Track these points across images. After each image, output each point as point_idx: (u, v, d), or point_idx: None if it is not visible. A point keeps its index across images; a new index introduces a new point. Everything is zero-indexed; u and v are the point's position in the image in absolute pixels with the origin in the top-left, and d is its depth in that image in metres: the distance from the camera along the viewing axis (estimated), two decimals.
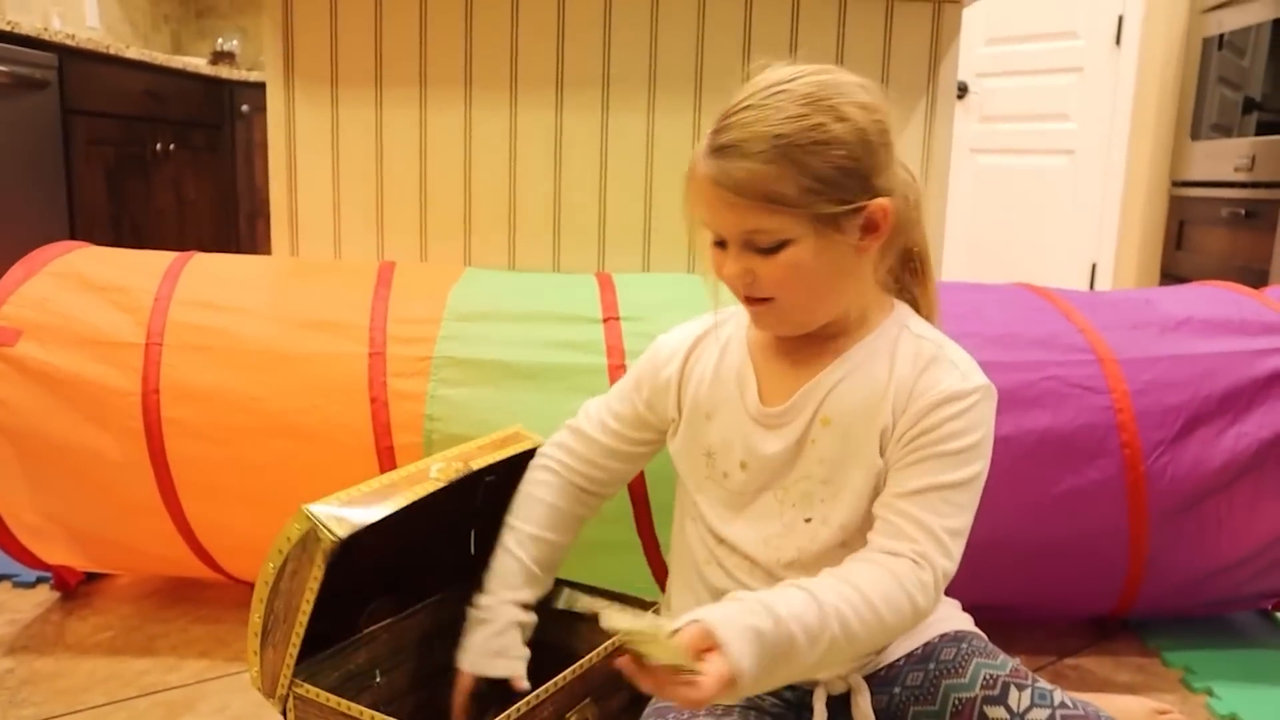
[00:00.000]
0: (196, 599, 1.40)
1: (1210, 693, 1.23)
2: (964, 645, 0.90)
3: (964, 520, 0.83)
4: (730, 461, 0.91)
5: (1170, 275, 3.13)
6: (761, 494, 0.90)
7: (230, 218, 3.66)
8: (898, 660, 0.91)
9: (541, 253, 1.84)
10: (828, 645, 0.75)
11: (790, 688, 0.91)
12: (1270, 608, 1.43)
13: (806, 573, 0.87)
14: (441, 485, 0.92)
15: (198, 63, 3.56)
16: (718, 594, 0.91)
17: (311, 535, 0.81)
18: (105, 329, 1.25)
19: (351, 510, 0.84)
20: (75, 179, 2.79)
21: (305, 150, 1.80)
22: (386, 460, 1.21)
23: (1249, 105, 2.86)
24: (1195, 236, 3.00)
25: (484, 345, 1.24)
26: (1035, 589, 1.28)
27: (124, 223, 3.05)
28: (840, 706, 0.90)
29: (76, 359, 1.22)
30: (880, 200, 0.82)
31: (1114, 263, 3.38)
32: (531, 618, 0.97)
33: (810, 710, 0.90)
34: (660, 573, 1.24)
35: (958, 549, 0.83)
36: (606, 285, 1.33)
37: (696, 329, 0.97)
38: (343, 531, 0.81)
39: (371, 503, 0.87)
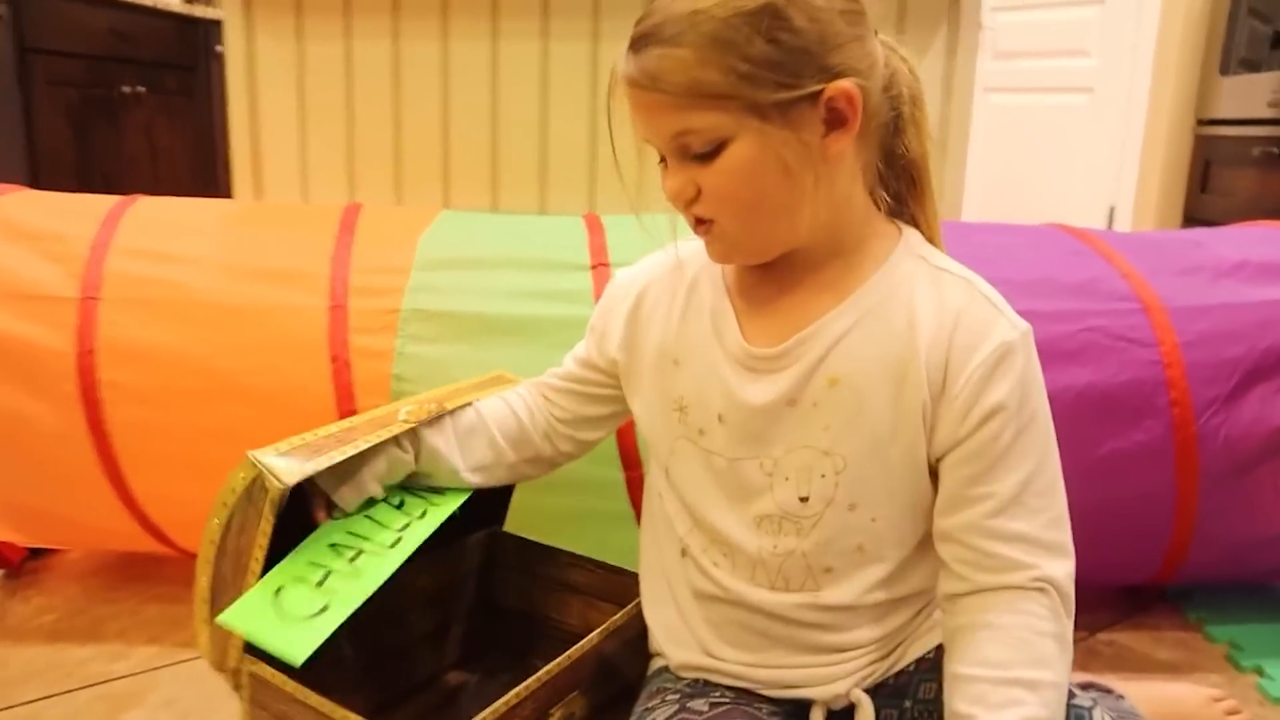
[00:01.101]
0: (150, 576, 1.28)
1: (1260, 672, 1.13)
2: None
3: (1059, 498, 0.71)
4: (706, 415, 0.76)
5: (1193, 219, 3.00)
6: (746, 462, 0.75)
7: (208, 164, 3.50)
8: (908, 666, 0.78)
9: (527, 194, 1.69)
10: None
11: (783, 701, 0.79)
12: None
13: (809, 574, 0.75)
14: (410, 427, 0.81)
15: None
16: (697, 594, 0.79)
17: (258, 484, 0.72)
18: (35, 282, 1.12)
19: (301, 456, 0.74)
20: (35, 122, 2.64)
21: (268, 87, 1.65)
22: None
23: (1277, 40, 2.69)
24: (1222, 178, 2.86)
25: (458, 296, 1.12)
26: None
27: (92, 171, 2.90)
28: None
29: (2, 316, 1.10)
30: (840, 83, 0.66)
31: (1133, 206, 3.24)
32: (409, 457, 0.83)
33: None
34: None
35: (1067, 534, 0.71)
36: (595, 228, 1.20)
37: (658, 261, 0.83)
38: (290, 478, 0.71)
39: (325, 448, 0.76)
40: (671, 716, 0.76)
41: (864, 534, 0.74)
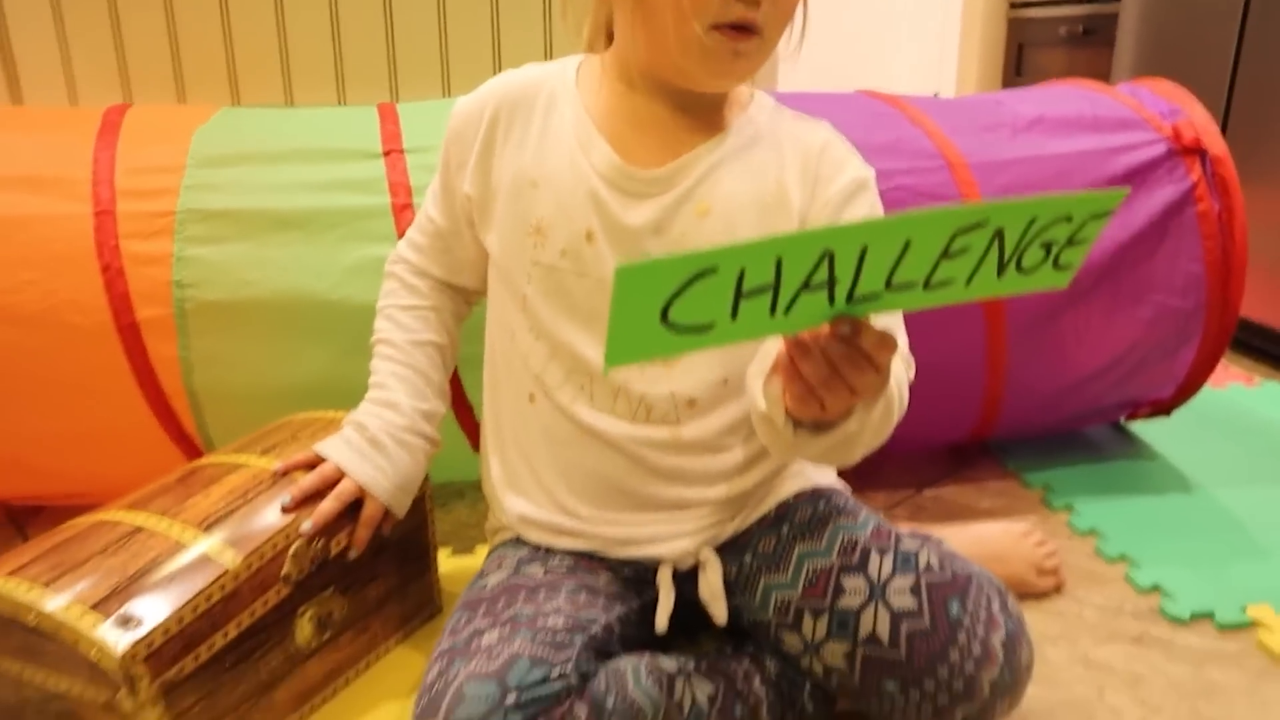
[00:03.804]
0: None
1: (1070, 509, 1.19)
2: (821, 504, 0.78)
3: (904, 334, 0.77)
4: (570, 234, 0.74)
5: None
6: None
7: None
8: (752, 525, 0.79)
9: (323, 89, 1.57)
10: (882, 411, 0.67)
11: (628, 563, 0.78)
12: (1125, 418, 1.40)
13: (671, 405, 0.75)
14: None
15: None
16: (549, 438, 0.77)
17: None
18: None
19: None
20: None
21: None
22: (130, 339, 1.00)
23: None
24: (1035, 59, 2.95)
25: (239, 192, 1.03)
26: None
27: None
28: (687, 582, 0.78)
29: None
30: None
31: (955, 91, 3.32)
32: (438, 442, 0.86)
33: (652, 587, 0.77)
34: (473, 431, 1.08)
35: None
36: (388, 116, 1.12)
37: (507, 82, 0.80)
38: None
39: None
40: (504, 580, 0.75)
41: (728, 366, 0.75)
